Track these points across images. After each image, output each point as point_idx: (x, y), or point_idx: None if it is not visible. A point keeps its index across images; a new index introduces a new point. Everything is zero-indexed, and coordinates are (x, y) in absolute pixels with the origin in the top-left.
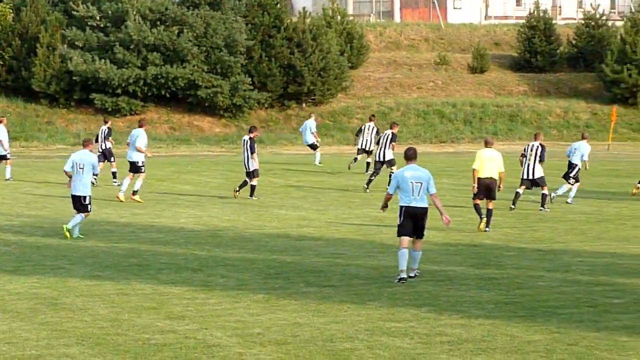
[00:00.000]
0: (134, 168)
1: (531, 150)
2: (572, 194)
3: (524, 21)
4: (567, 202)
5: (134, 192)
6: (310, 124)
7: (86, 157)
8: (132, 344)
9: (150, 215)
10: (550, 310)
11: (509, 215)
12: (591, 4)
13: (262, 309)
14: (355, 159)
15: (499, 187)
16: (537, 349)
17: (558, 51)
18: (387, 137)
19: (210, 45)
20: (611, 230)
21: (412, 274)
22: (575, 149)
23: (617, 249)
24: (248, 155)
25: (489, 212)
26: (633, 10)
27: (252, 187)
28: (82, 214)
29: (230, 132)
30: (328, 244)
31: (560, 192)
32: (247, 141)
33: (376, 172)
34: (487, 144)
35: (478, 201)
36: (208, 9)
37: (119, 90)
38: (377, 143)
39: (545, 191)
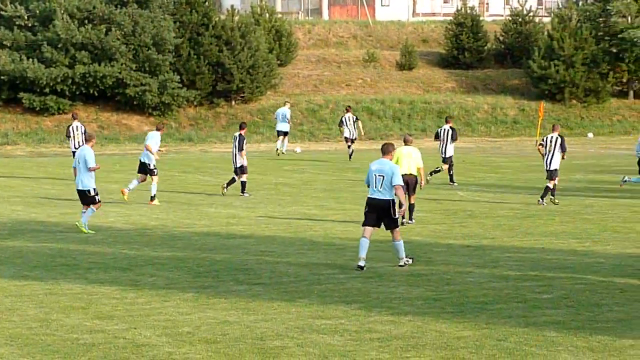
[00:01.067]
0: (145, 169)
1: (551, 142)
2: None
3: (451, 18)
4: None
5: (152, 198)
6: (285, 111)
7: (84, 152)
8: (61, 344)
9: (79, 214)
10: (479, 306)
11: (437, 212)
12: (518, 1)
13: (191, 307)
14: (349, 147)
15: (421, 184)
16: (467, 345)
17: (485, 48)
18: (447, 132)
19: (139, 44)
20: (539, 226)
21: (400, 264)
22: None
23: (546, 244)
24: (236, 152)
25: (411, 206)
26: (560, 6)
27: (242, 184)
28: (92, 207)
29: None
30: (258, 242)
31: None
32: (236, 137)
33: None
34: (406, 142)
35: None
36: (136, 7)
37: (47, 90)
38: (436, 138)
39: (550, 185)
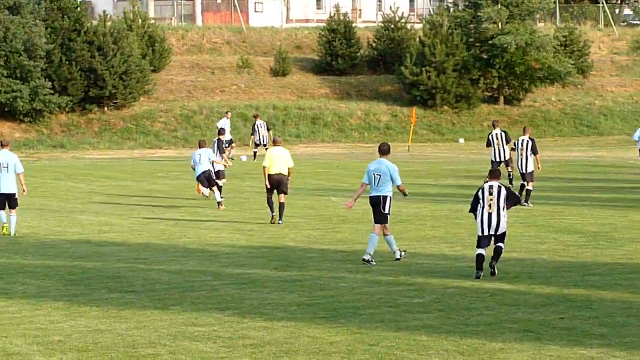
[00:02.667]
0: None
1: (522, 145)
2: None
3: (324, 24)
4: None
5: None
6: (226, 122)
7: (8, 156)
8: None
9: None
10: (351, 311)
11: (311, 217)
12: (390, 7)
13: (62, 316)
14: (255, 153)
15: (288, 180)
16: (339, 350)
17: (359, 54)
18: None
19: (10, 50)
20: (411, 231)
21: (397, 257)
22: None
23: (417, 249)
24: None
25: (281, 206)
26: (431, 12)
27: (219, 187)
28: (13, 211)
29: (30, 137)
30: (130, 249)
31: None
32: (215, 142)
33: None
34: (275, 143)
35: (270, 195)
36: (7, 13)
37: None
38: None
39: (530, 187)
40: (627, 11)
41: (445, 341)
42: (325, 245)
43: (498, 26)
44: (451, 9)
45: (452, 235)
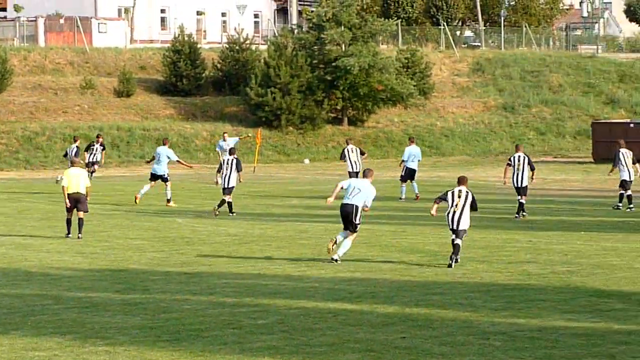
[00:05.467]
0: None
1: (519, 161)
2: None
3: (169, 45)
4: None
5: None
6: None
7: None
8: None
9: None
10: (194, 333)
11: (156, 239)
12: (235, 29)
13: None
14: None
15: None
16: None
17: (204, 75)
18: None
19: None
20: (256, 252)
21: (334, 258)
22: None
23: (262, 270)
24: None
25: (80, 221)
26: (276, 34)
27: (230, 204)
28: None
29: None
30: None
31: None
32: (232, 161)
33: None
34: (72, 164)
35: (70, 215)
36: None
37: None
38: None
39: (524, 200)
40: (468, 33)
41: None
42: (169, 268)
43: (342, 48)
44: (295, 31)
45: (296, 255)
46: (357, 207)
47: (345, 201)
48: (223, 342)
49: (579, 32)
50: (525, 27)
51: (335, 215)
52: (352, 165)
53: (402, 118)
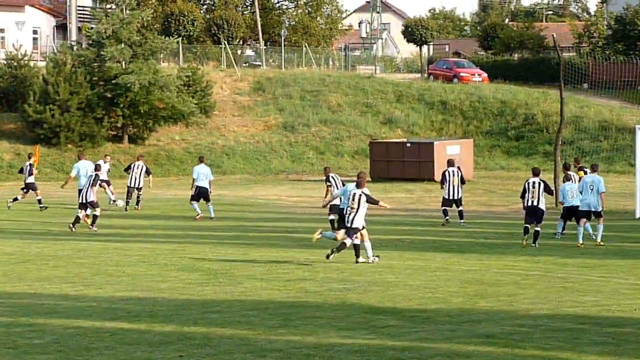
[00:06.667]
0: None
1: (533, 187)
2: None
3: None
4: None
5: None
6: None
7: None
8: None
9: None
10: None
11: None
12: (13, 45)
13: None
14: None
15: None
16: None
17: None
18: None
19: None
20: (32, 271)
21: (361, 260)
22: None
23: (38, 289)
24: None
25: None
26: (55, 50)
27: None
28: None
29: None
30: None
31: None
32: (140, 166)
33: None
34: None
35: None
36: None
37: None
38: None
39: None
40: (249, 52)
41: None
42: None
43: (122, 65)
44: (75, 48)
45: (74, 274)
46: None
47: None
48: None
49: (357, 53)
50: (305, 47)
51: (114, 234)
52: (131, 181)
53: (183, 136)
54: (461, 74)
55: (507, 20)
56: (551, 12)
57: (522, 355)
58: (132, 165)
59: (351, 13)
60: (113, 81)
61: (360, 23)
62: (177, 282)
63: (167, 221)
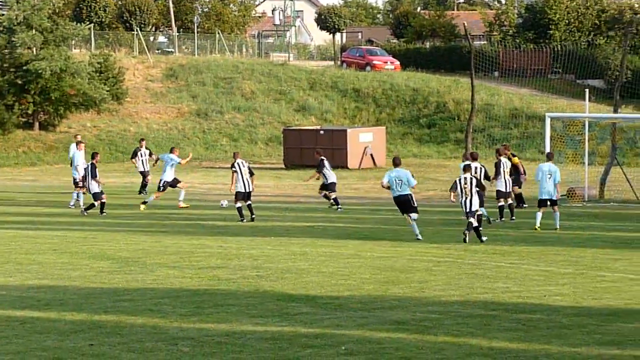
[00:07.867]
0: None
1: (465, 183)
2: None
3: None
4: None
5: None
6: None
7: None
8: None
9: None
10: None
11: None
12: None
13: None
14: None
15: None
16: None
17: None
18: (506, 165)
19: None
20: None
21: (419, 237)
22: None
23: None
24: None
25: None
26: None
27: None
28: None
29: None
30: None
31: None
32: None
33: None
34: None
35: None
36: None
37: None
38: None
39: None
40: (161, 38)
41: None
42: None
43: (33, 52)
44: None
45: None
46: (409, 195)
47: (395, 194)
48: None
49: (271, 40)
50: (219, 33)
51: (25, 222)
52: (142, 166)
53: (94, 123)
54: (374, 62)
55: (419, 8)
56: (462, 1)
57: (433, 342)
58: (138, 151)
59: (264, 0)
60: (24, 68)
61: (273, 10)
62: (88, 271)
63: (78, 209)
